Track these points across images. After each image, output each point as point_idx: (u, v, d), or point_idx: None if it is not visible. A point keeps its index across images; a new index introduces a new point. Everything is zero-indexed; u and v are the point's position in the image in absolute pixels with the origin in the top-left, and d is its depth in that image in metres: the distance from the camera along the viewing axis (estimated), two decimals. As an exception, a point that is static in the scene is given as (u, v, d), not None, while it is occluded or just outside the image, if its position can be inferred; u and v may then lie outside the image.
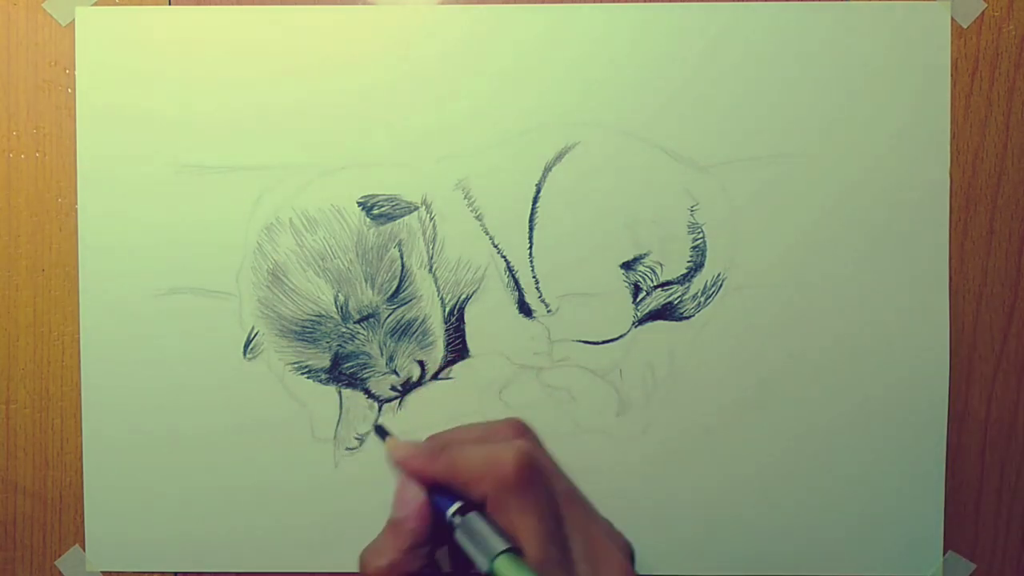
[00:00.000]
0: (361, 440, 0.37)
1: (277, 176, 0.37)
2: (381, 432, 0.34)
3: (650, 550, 0.37)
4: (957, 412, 0.37)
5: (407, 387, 0.37)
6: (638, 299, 0.37)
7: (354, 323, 0.37)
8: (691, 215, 0.37)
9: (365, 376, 0.37)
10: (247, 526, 0.37)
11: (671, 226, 0.37)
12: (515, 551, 0.28)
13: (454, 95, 0.37)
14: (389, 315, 0.37)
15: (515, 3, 0.37)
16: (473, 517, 0.29)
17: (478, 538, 0.28)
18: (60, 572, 0.37)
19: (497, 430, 0.30)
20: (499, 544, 0.28)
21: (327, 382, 0.37)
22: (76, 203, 0.37)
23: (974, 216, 0.37)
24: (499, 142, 0.37)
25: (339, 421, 0.37)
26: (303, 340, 0.37)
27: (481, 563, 0.28)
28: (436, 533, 0.29)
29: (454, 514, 0.29)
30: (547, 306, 0.37)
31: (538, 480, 0.28)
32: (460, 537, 0.28)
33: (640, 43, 0.37)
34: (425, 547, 0.29)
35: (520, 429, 0.30)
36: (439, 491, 0.29)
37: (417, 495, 0.29)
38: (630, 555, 0.30)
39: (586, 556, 0.28)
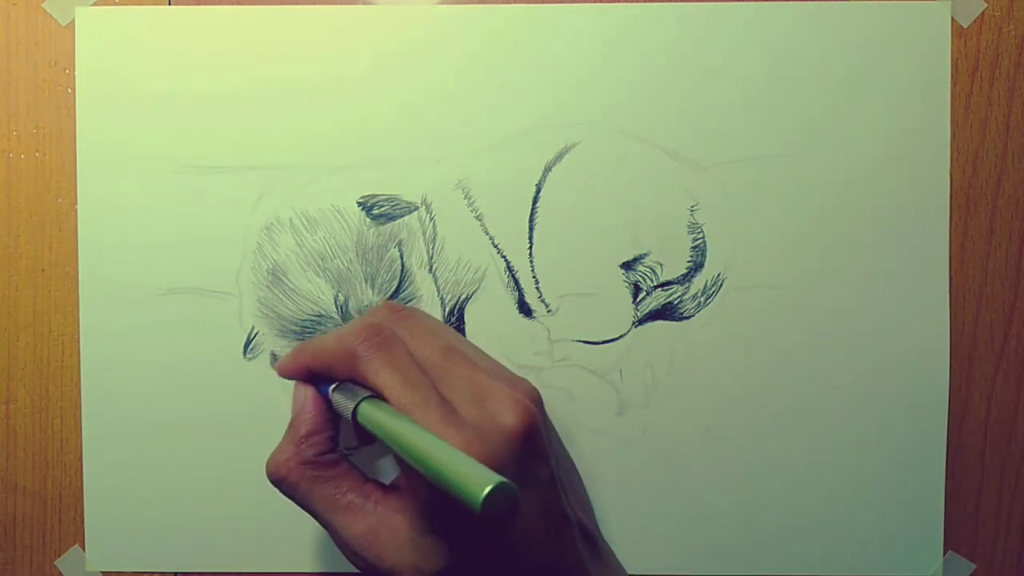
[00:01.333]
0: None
1: (277, 176, 0.37)
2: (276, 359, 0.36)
3: (650, 550, 0.37)
4: (957, 412, 0.37)
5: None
6: (638, 299, 0.37)
7: (354, 323, 0.37)
8: (691, 215, 0.37)
9: (365, 376, 0.37)
10: (247, 526, 0.37)
11: (671, 226, 0.37)
12: (376, 397, 0.28)
13: (454, 95, 0.37)
14: (389, 315, 0.37)
15: (515, 3, 0.37)
16: (344, 384, 0.30)
17: (346, 398, 0.29)
18: (60, 572, 0.37)
19: (352, 323, 0.31)
20: (362, 393, 0.29)
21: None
22: (76, 203, 0.37)
23: (974, 216, 0.37)
24: (499, 142, 0.37)
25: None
26: (303, 340, 0.37)
27: (347, 414, 0.29)
28: (334, 423, 0.31)
29: (332, 391, 0.30)
30: (547, 306, 0.37)
31: (389, 344, 0.29)
32: (335, 402, 0.30)
33: (640, 43, 0.37)
34: (318, 435, 0.30)
35: (373, 320, 0.31)
36: (325, 387, 0.31)
37: (301, 390, 0.31)
38: (535, 397, 0.30)
39: (472, 399, 0.28)
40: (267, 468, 0.30)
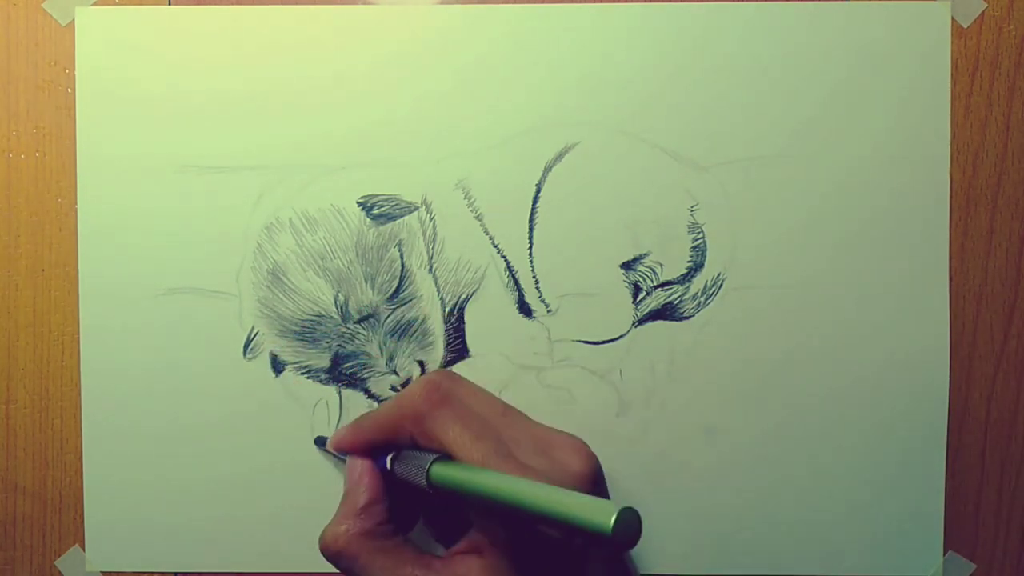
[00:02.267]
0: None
1: (277, 176, 0.37)
2: (321, 442, 0.36)
3: (650, 550, 0.37)
4: (957, 412, 0.37)
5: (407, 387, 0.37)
6: (638, 299, 0.37)
7: (354, 323, 0.37)
8: (691, 215, 0.37)
9: (365, 376, 0.37)
10: (247, 526, 0.37)
11: (671, 226, 0.37)
12: (446, 456, 0.28)
13: (454, 95, 0.37)
14: (389, 315, 0.37)
15: (515, 3, 0.37)
16: (405, 452, 0.30)
17: (412, 464, 0.29)
18: (60, 572, 0.37)
19: (409, 387, 0.32)
20: (430, 457, 0.29)
21: (327, 382, 0.37)
22: (76, 203, 0.37)
23: (974, 216, 0.37)
24: (499, 142, 0.37)
25: (339, 421, 0.37)
26: (303, 340, 0.37)
27: (420, 480, 0.28)
28: (392, 495, 0.30)
29: (391, 462, 0.30)
30: (547, 306, 0.37)
31: (451, 401, 0.29)
32: (399, 472, 0.30)
33: (640, 43, 0.37)
34: (378, 505, 0.30)
35: (432, 378, 0.31)
36: (381, 459, 0.31)
37: (358, 463, 0.31)
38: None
39: (536, 450, 0.29)
40: (322, 541, 0.29)
